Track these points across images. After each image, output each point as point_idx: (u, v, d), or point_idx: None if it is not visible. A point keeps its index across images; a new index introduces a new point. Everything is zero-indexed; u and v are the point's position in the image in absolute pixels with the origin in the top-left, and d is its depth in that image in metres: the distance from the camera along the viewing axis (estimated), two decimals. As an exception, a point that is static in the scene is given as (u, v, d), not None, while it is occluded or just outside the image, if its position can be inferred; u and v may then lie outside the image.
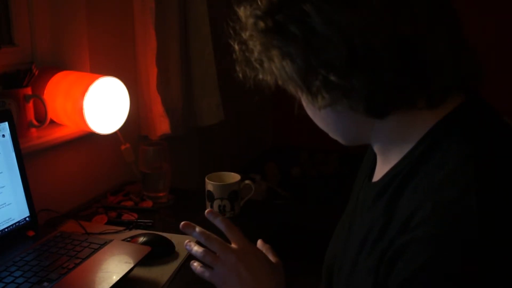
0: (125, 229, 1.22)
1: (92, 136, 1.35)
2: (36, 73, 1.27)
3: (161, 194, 1.40)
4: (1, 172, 1.04)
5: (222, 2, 1.97)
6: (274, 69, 0.60)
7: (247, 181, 1.33)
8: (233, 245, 0.78)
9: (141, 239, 1.09)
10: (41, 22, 1.37)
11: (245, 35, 0.61)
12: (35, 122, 1.27)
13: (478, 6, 2.09)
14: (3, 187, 1.04)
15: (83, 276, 0.93)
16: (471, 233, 0.51)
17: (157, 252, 1.04)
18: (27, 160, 1.11)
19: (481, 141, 0.58)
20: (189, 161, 1.98)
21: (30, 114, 1.25)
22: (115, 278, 0.91)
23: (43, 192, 1.22)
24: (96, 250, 1.00)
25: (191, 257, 1.09)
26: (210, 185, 1.28)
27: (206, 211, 0.83)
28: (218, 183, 1.27)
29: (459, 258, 0.51)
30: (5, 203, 1.04)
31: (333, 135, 0.71)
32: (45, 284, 0.88)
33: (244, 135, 2.62)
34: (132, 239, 1.10)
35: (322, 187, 2.37)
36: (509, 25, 2.40)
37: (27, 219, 1.09)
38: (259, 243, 0.86)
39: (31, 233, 1.08)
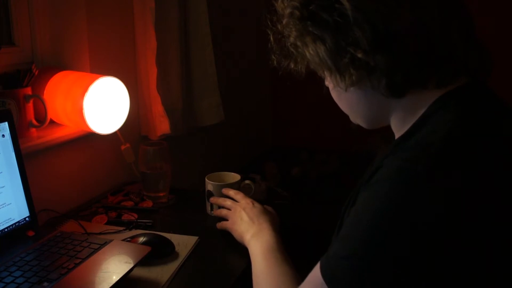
0: (125, 229, 1.22)
1: (92, 136, 1.35)
2: (36, 73, 1.27)
3: (161, 194, 1.40)
4: (1, 172, 1.04)
5: (222, 2, 1.95)
6: (307, 53, 0.69)
7: (247, 181, 1.33)
8: (239, 202, 1.16)
9: (141, 239, 1.09)
10: (41, 22, 1.37)
11: (281, 25, 0.71)
12: (35, 122, 1.27)
13: (478, 6, 2.09)
14: (3, 187, 1.04)
15: (83, 276, 0.93)
16: (403, 195, 0.60)
17: (157, 252, 1.04)
18: (27, 160, 1.11)
19: (467, 113, 0.65)
20: (189, 161, 1.98)
21: (30, 114, 1.25)
22: (115, 278, 0.91)
23: (43, 192, 1.22)
24: (96, 250, 1.00)
25: (191, 257, 1.10)
26: (210, 185, 1.28)
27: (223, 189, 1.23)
28: (218, 183, 1.27)
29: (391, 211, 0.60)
30: (5, 203, 1.04)
31: (355, 117, 0.78)
32: (45, 284, 0.88)
33: (244, 135, 2.62)
34: (132, 239, 1.10)
35: (322, 187, 2.36)
36: (508, 25, 2.40)
37: (27, 219, 1.09)
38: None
39: (31, 233, 1.08)
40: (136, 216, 1.29)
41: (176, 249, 1.11)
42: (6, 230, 1.04)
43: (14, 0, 1.31)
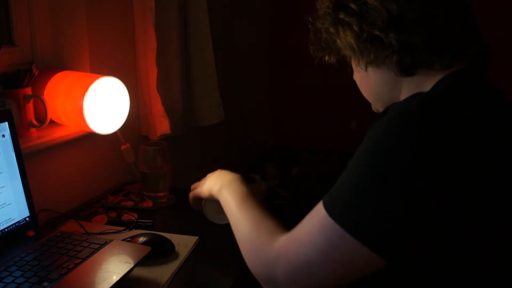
0: (125, 229, 1.22)
1: (92, 136, 1.35)
2: (36, 73, 1.27)
3: (161, 194, 1.40)
4: (1, 172, 1.04)
5: (222, 2, 1.95)
6: (338, 38, 0.83)
7: None
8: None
9: (141, 239, 1.09)
10: (41, 22, 1.37)
11: (319, 19, 0.86)
12: (35, 122, 1.27)
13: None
14: (3, 187, 1.04)
15: (83, 276, 0.93)
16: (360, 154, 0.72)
17: (157, 252, 1.04)
18: (27, 160, 1.11)
19: (462, 83, 0.76)
20: (189, 161, 1.98)
21: (30, 114, 1.25)
22: (115, 278, 0.91)
23: (43, 192, 1.22)
24: (96, 250, 1.00)
25: (191, 257, 1.10)
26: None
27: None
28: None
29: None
30: (5, 203, 1.04)
31: (374, 99, 0.89)
32: (45, 284, 0.88)
33: (244, 135, 2.62)
34: (132, 239, 1.10)
35: (322, 187, 2.36)
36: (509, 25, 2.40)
37: (27, 219, 1.09)
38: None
39: (31, 233, 1.08)
40: (136, 216, 1.29)
41: (176, 249, 1.11)
42: (6, 230, 1.04)
43: (14, 0, 1.31)
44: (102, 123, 1.29)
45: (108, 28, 1.50)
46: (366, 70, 0.84)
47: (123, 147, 1.50)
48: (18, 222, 1.07)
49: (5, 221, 1.04)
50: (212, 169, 1.35)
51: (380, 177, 0.67)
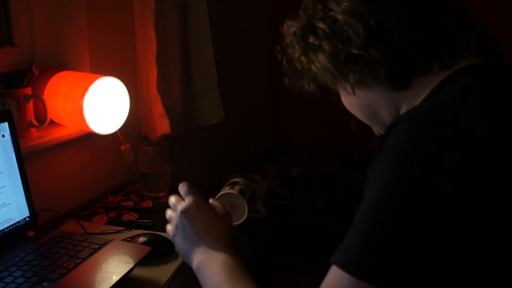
0: (125, 229, 1.22)
1: (92, 136, 1.35)
2: (36, 73, 1.27)
3: (161, 194, 1.40)
4: (1, 172, 1.04)
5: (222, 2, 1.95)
6: (312, 66, 0.73)
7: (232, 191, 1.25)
8: (183, 202, 0.91)
9: (141, 239, 1.09)
10: (41, 22, 1.37)
11: (287, 46, 0.77)
12: (35, 122, 1.27)
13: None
14: (3, 187, 1.04)
15: (83, 276, 0.93)
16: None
17: (157, 252, 1.04)
18: (27, 160, 1.11)
19: (476, 82, 0.66)
20: (189, 161, 1.98)
21: (30, 114, 1.25)
22: (115, 278, 0.91)
23: (43, 192, 1.22)
24: (96, 250, 1.00)
25: (191, 257, 1.10)
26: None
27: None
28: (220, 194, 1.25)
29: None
30: (5, 203, 1.04)
31: (371, 120, 0.79)
32: (45, 284, 0.88)
33: (244, 135, 2.62)
34: (132, 239, 1.10)
35: (322, 187, 2.36)
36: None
37: (27, 219, 1.09)
38: (210, 200, 0.97)
39: (31, 233, 1.08)
40: (136, 216, 1.29)
41: (176, 249, 1.11)
42: (6, 230, 1.04)
43: (14, 0, 1.31)
44: (102, 123, 1.29)
45: (108, 28, 1.50)
46: (354, 93, 0.74)
47: (123, 147, 1.50)
48: (18, 222, 1.07)
49: (5, 221, 1.04)
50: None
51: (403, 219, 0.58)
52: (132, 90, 1.50)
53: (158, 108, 1.60)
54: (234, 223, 1.22)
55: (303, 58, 0.75)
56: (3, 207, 1.04)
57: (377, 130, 0.81)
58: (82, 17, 1.38)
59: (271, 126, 3.07)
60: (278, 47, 0.79)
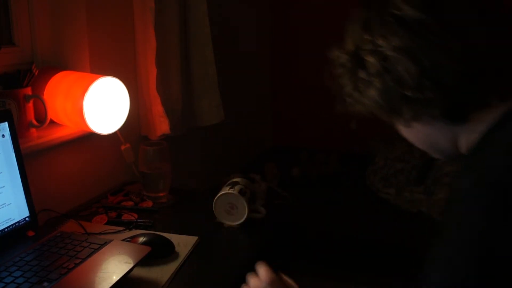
0: (125, 229, 1.22)
1: (92, 136, 1.35)
2: (36, 73, 1.27)
3: (161, 194, 1.40)
4: (1, 172, 1.04)
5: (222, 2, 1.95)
6: (364, 100, 0.71)
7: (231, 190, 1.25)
8: (259, 279, 0.88)
9: (141, 239, 1.09)
10: (41, 22, 1.37)
11: (338, 76, 0.74)
12: (35, 122, 1.27)
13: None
14: (3, 187, 1.04)
15: (83, 276, 0.93)
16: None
17: (157, 252, 1.04)
18: (27, 160, 1.11)
19: None
20: (189, 161, 1.98)
21: (30, 114, 1.25)
22: (115, 278, 0.91)
23: (43, 192, 1.22)
24: (96, 250, 1.00)
25: (191, 257, 1.10)
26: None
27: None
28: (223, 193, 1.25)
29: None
30: (5, 203, 1.04)
31: (432, 151, 0.78)
32: (45, 284, 0.88)
33: (244, 135, 2.62)
34: (132, 239, 1.10)
35: (322, 187, 2.37)
36: None
37: (27, 219, 1.09)
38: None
39: (31, 233, 1.08)
40: (136, 216, 1.29)
41: (176, 249, 1.11)
42: (6, 230, 1.04)
43: (14, 0, 1.31)
44: (102, 123, 1.29)
45: (108, 28, 1.50)
46: (409, 126, 0.73)
47: (123, 147, 1.50)
48: (18, 222, 1.07)
49: (5, 221, 1.04)
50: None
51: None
52: (132, 90, 1.50)
53: (158, 108, 1.60)
54: (234, 223, 1.23)
55: (354, 93, 0.73)
56: (3, 207, 1.04)
57: (435, 156, 0.80)
58: (82, 17, 1.38)
59: (271, 126, 3.07)
60: (329, 75, 0.76)
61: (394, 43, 0.66)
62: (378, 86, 0.68)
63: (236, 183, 1.27)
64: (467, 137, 0.70)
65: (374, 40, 0.68)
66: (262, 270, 0.89)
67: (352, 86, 0.72)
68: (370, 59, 0.68)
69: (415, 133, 0.75)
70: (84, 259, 0.97)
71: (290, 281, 0.91)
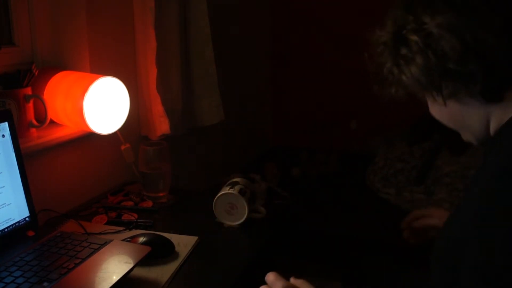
0: (125, 229, 1.22)
1: (92, 136, 1.35)
2: (36, 73, 1.27)
3: (161, 194, 1.40)
4: (1, 172, 1.04)
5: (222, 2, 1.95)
6: (403, 76, 0.73)
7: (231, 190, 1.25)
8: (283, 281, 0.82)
9: (141, 239, 1.09)
10: (41, 22, 1.37)
11: (377, 55, 0.76)
12: (35, 122, 1.27)
13: None
14: (3, 187, 1.04)
15: (83, 276, 0.93)
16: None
17: (157, 252, 1.04)
18: (27, 160, 1.11)
19: None
20: (189, 161, 1.98)
21: (30, 114, 1.25)
22: (115, 278, 0.91)
23: (43, 192, 1.22)
24: (96, 250, 1.00)
25: (191, 257, 1.10)
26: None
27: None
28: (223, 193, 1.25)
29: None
30: (5, 203, 1.04)
31: (463, 132, 0.80)
32: (45, 284, 0.88)
33: (244, 135, 2.62)
34: (132, 239, 1.10)
35: (322, 187, 2.37)
36: None
37: (27, 219, 1.09)
38: (292, 279, 0.87)
39: (31, 233, 1.08)
40: (136, 216, 1.29)
41: (176, 249, 1.11)
42: (6, 230, 1.04)
43: (14, 0, 1.31)
44: (102, 123, 1.29)
45: (108, 28, 1.50)
46: (445, 105, 0.74)
47: (123, 147, 1.50)
48: (18, 222, 1.07)
49: (5, 221, 1.04)
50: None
51: None
52: (132, 90, 1.50)
53: (158, 108, 1.60)
54: (234, 223, 1.23)
55: (394, 69, 0.75)
56: (3, 207, 1.04)
57: (466, 138, 0.81)
58: (82, 17, 1.38)
59: (271, 126, 3.07)
60: (366, 55, 0.78)
61: (438, 20, 0.68)
62: (420, 62, 0.70)
63: (236, 183, 1.27)
64: (500, 117, 0.72)
65: (417, 19, 0.70)
66: (271, 276, 0.82)
67: (392, 62, 0.74)
68: (413, 37, 0.70)
69: (449, 112, 0.76)
70: (84, 259, 0.97)
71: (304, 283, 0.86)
